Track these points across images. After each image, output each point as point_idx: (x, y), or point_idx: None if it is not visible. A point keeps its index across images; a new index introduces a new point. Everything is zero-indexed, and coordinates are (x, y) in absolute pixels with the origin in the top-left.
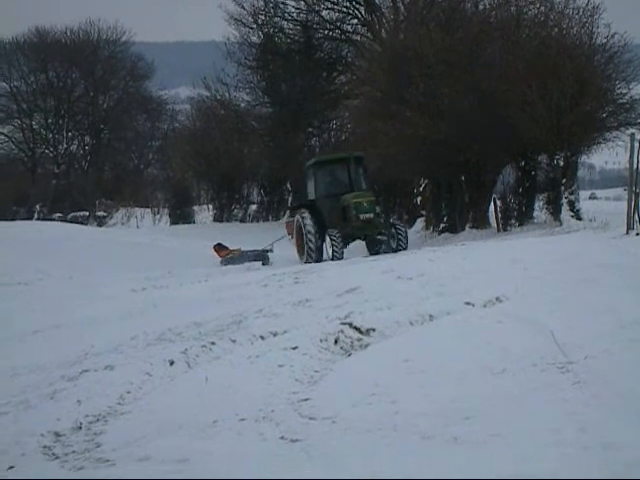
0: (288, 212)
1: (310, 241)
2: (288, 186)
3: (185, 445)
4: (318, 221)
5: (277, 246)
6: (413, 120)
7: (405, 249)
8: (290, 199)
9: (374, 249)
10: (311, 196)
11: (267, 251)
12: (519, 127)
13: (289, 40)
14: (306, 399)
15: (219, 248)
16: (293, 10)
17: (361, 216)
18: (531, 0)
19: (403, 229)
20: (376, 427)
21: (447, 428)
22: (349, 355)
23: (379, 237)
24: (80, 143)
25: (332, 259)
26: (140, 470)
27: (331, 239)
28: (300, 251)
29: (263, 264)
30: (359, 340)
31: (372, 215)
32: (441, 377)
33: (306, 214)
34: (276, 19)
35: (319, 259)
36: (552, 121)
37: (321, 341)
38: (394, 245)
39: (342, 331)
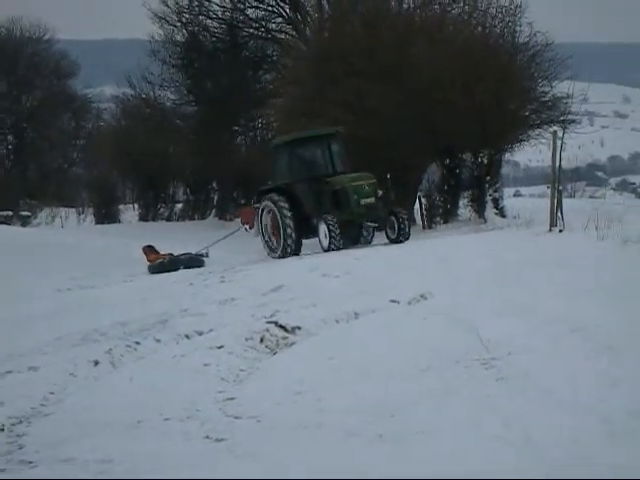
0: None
1: (289, 232)
2: (214, 185)
3: (109, 445)
4: (295, 207)
5: (215, 246)
6: (338, 118)
7: (407, 239)
8: (216, 198)
9: (355, 238)
10: (282, 179)
11: (202, 255)
12: (444, 125)
13: (214, 39)
14: (231, 398)
15: (149, 251)
16: (218, 9)
17: (362, 201)
18: None
19: (405, 217)
20: (301, 425)
21: (372, 425)
22: (275, 354)
23: (369, 224)
24: (3, 142)
25: (329, 250)
26: (64, 471)
27: (329, 227)
28: (270, 243)
29: (187, 268)
30: (285, 338)
31: (374, 200)
32: (366, 374)
33: (282, 200)
34: (201, 17)
35: (298, 251)
36: (476, 119)
37: (247, 340)
38: (394, 235)
39: (268, 330)
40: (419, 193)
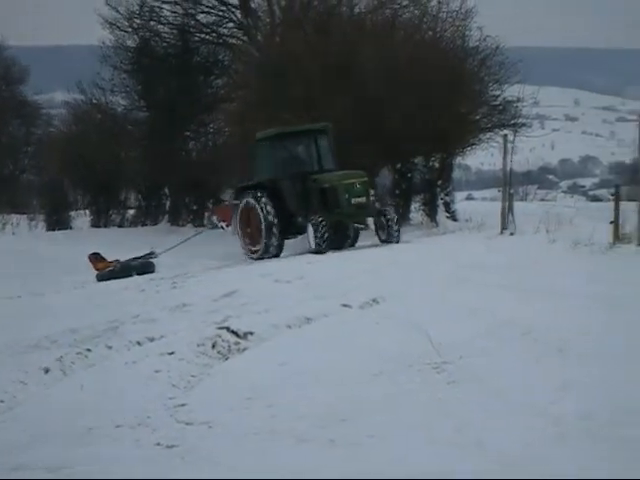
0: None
1: (272, 233)
2: (166, 191)
3: (60, 453)
4: (278, 205)
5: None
6: (290, 123)
7: (397, 242)
8: (168, 203)
9: (339, 240)
10: (265, 175)
11: (151, 255)
12: (395, 129)
13: (165, 44)
14: (183, 404)
15: (95, 259)
16: (169, 14)
17: (353, 200)
18: (405, 4)
19: (394, 217)
20: (253, 431)
21: (324, 430)
22: (226, 359)
23: (355, 225)
24: None
25: (315, 252)
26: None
27: (314, 227)
28: (250, 243)
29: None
30: (236, 344)
31: (365, 199)
32: (318, 379)
33: (265, 198)
34: (152, 23)
35: (279, 253)
36: (427, 123)
37: (198, 346)
38: (383, 236)
39: (219, 335)
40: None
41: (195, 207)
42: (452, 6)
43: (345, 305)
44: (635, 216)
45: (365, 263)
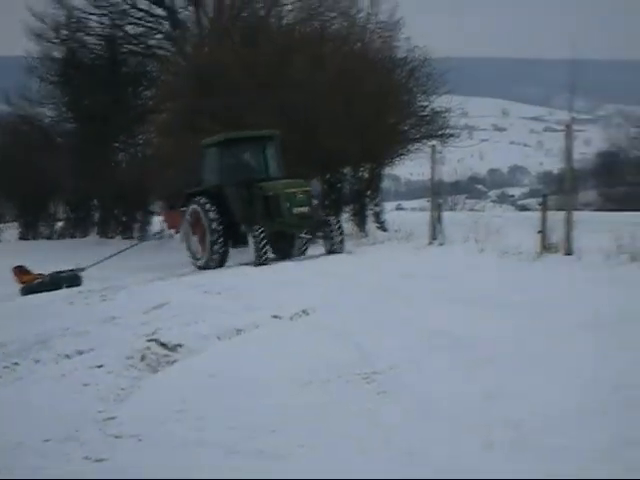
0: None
1: (216, 241)
2: (95, 202)
3: None
4: (224, 214)
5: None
6: (218, 134)
7: (341, 252)
8: (97, 215)
9: (286, 250)
10: (211, 182)
11: (79, 270)
12: (325, 140)
13: (93, 55)
14: (112, 418)
15: (20, 272)
16: (96, 25)
17: (295, 210)
18: (334, 15)
19: (338, 227)
20: (182, 443)
21: (253, 441)
22: (156, 372)
23: (302, 235)
24: None
25: (257, 264)
26: None
27: (255, 239)
28: (195, 251)
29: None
30: (166, 356)
31: (308, 209)
32: (248, 391)
33: (210, 205)
34: (79, 34)
35: (223, 262)
36: (356, 134)
37: (128, 358)
38: (328, 246)
39: (149, 348)
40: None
41: (124, 219)
42: (380, 17)
43: (275, 316)
44: (562, 226)
45: (294, 274)
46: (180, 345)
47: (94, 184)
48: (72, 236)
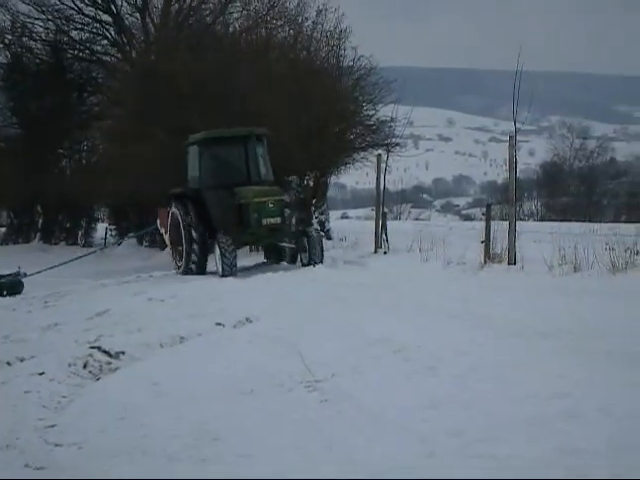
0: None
1: (193, 247)
2: (39, 208)
3: None
4: (204, 218)
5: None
6: (165, 141)
7: (320, 262)
8: (41, 221)
9: (279, 257)
10: (193, 184)
11: (19, 275)
12: (270, 148)
13: (38, 60)
14: (52, 425)
15: None
16: (41, 30)
17: (264, 221)
18: (280, 24)
19: (317, 237)
20: (124, 451)
21: (196, 450)
22: (98, 379)
23: (283, 245)
24: None
25: (222, 275)
26: None
27: (221, 249)
28: (177, 256)
29: (12, 294)
30: (108, 364)
31: (279, 220)
32: (190, 399)
33: (188, 209)
34: (24, 39)
35: (202, 270)
36: (301, 142)
37: (69, 365)
38: (305, 259)
39: (91, 355)
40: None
41: (68, 225)
42: (327, 26)
43: (219, 324)
44: (506, 236)
45: (239, 282)
46: (122, 352)
47: (38, 190)
48: (15, 242)
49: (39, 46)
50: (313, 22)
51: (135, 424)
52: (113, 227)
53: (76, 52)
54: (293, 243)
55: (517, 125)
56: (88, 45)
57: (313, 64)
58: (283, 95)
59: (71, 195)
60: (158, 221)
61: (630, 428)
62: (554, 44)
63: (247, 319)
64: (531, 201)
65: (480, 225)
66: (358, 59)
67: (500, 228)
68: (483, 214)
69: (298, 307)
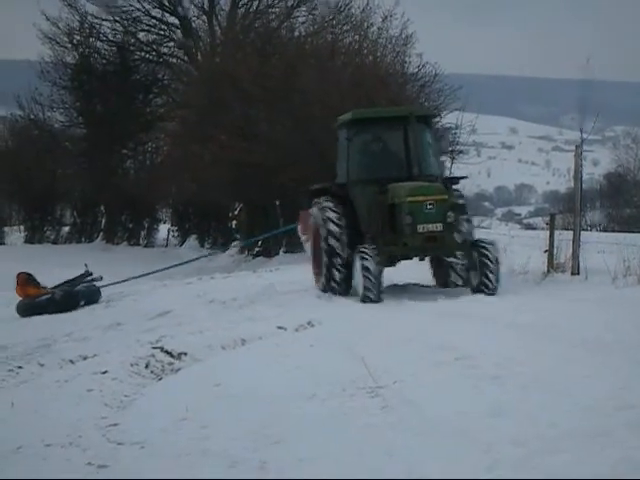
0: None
1: (334, 259)
2: (102, 208)
3: None
4: (350, 223)
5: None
6: (228, 144)
7: (493, 292)
8: (104, 221)
9: (446, 279)
10: (340, 178)
11: (94, 279)
12: (333, 152)
13: (104, 61)
14: (115, 424)
15: (26, 281)
16: (109, 31)
17: (420, 227)
18: (346, 29)
19: (493, 252)
20: (185, 452)
21: (256, 453)
22: (160, 379)
23: (450, 260)
24: None
25: (362, 300)
26: None
27: (362, 267)
28: (316, 267)
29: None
30: (170, 364)
31: (441, 226)
32: (252, 401)
33: (330, 208)
34: (91, 39)
35: (346, 287)
36: None
37: (132, 365)
38: (475, 281)
39: (153, 355)
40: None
41: (131, 225)
42: (392, 32)
43: (280, 327)
44: (569, 245)
45: (301, 283)
46: (184, 353)
47: (102, 190)
48: (78, 241)
49: (106, 47)
50: (378, 28)
51: (196, 425)
52: (175, 228)
53: (142, 54)
54: (462, 258)
55: (583, 135)
56: (154, 47)
57: (379, 70)
58: (349, 101)
59: (134, 195)
60: (299, 226)
61: None
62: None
63: (309, 323)
64: (594, 211)
65: (542, 234)
66: (423, 66)
67: (563, 237)
68: (547, 223)
69: (358, 313)
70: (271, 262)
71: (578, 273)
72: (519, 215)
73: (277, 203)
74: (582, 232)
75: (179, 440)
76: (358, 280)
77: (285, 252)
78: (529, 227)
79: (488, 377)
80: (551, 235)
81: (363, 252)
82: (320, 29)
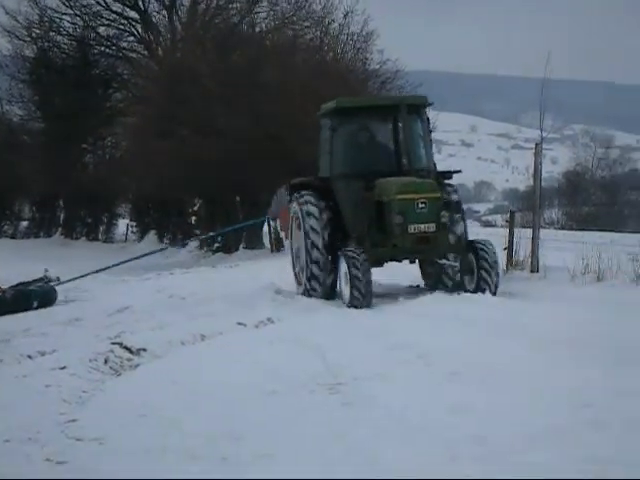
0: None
1: (315, 260)
2: (61, 203)
3: None
4: (334, 220)
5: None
6: (188, 139)
7: (493, 293)
8: (63, 216)
9: (436, 280)
10: (323, 171)
11: (49, 280)
12: (294, 148)
13: (64, 55)
14: (74, 420)
15: None
16: (69, 25)
17: (411, 227)
18: (307, 25)
19: (491, 254)
20: (145, 448)
21: (216, 449)
22: (119, 375)
23: (443, 262)
24: None
25: (350, 305)
26: None
27: (349, 270)
28: (296, 268)
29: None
30: (129, 360)
31: (434, 226)
32: (211, 397)
33: (311, 203)
34: (51, 33)
35: (329, 293)
36: None
37: (90, 361)
38: (471, 285)
39: (112, 351)
40: (268, 215)
41: (90, 220)
42: (353, 29)
43: (240, 323)
44: (528, 243)
45: (260, 280)
46: (144, 349)
47: (60, 184)
48: (36, 236)
49: (66, 41)
50: (340, 24)
51: (155, 421)
52: (134, 223)
53: (102, 48)
54: (457, 260)
55: (542, 133)
56: (114, 41)
57: (340, 66)
58: (308, 96)
59: (93, 190)
60: (279, 223)
61: None
62: (580, 52)
63: (269, 319)
64: (552, 209)
65: (501, 231)
66: (384, 62)
67: (522, 235)
68: (506, 221)
69: (320, 309)
70: (231, 258)
71: (537, 271)
72: (478, 212)
73: (237, 199)
74: (541, 230)
75: (138, 436)
76: (344, 285)
77: (245, 248)
78: (488, 224)
79: (449, 374)
80: (510, 233)
81: (349, 254)
82: (281, 25)
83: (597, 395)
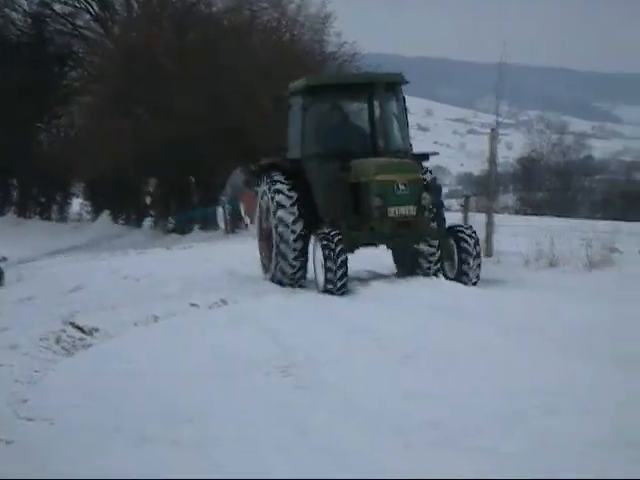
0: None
1: (284, 245)
2: (14, 182)
3: None
4: (305, 204)
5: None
6: (144, 119)
7: (475, 283)
8: (16, 194)
9: (412, 266)
10: (293, 152)
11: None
12: (250, 130)
13: (19, 32)
14: (25, 400)
15: None
16: (24, 2)
17: (391, 210)
18: (264, 6)
19: (472, 240)
20: (97, 428)
21: (169, 430)
22: (71, 355)
23: (419, 247)
24: None
25: (324, 290)
26: None
27: (324, 253)
28: (264, 255)
29: None
30: (82, 340)
31: (414, 209)
32: (164, 378)
33: (281, 182)
34: (5, 10)
35: (298, 279)
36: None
37: (42, 340)
38: (452, 272)
39: (64, 330)
40: (223, 197)
41: (43, 199)
42: (311, 10)
43: (193, 304)
44: (483, 228)
45: (215, 261)
46: (97, 329)
47: (14, 163)
48: None
49: (20, 18)
50: (297, 5)
51: (108, 402)
52: (88, 203)
53: (58, 26)
54: (435, 246)
55: (497, 118)
56: (70, 19)
57: (296, 48)
58: (265, 77)
59: (47, 169)
60: (242, 207)
61: (608, 426)
62: (535, 38)
63: (222, 300)
64: (507, 194)
65: (456, 216)
66: (342, 45)
67: (476, 220)
68: (461, 205)
69: (275, 292)
70: (185, 239)
71: (491, 256)
72: None
73: (192, 180)
74: (495, 215)
75: (90, 416)
76: (318, 270)
77: (200, 229)
78: None
79: (403, 359)
80: (465, 217)
81: (323, 236)
82: (238, 5)
83: (549, 381)
